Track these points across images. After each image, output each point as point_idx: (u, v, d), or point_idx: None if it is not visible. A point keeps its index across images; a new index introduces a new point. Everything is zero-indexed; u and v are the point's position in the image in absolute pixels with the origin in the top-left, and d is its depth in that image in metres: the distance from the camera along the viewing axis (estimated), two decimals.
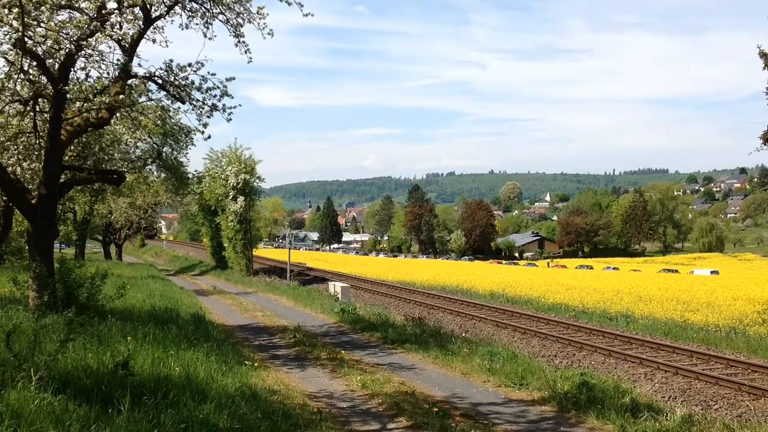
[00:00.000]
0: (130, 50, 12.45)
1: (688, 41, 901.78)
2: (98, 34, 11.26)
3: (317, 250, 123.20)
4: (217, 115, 13.05)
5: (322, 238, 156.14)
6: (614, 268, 64.65)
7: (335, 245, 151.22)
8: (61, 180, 14.21)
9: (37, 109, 13.36)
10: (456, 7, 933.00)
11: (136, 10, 11.90)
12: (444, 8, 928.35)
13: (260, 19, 11.99)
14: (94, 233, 53.47)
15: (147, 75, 12.97)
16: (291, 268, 38.21)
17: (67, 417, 5.65)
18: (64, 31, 11.17)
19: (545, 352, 16.84)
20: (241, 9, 12.11)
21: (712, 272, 62.32)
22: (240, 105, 13.27)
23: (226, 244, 42.16)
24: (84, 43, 11.27)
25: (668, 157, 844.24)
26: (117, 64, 12.70)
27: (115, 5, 11.54)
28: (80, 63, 12.58)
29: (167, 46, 12.23)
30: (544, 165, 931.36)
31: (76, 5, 11.35)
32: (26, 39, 10.45)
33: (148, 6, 11.75)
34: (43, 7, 10.41)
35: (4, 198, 16.56)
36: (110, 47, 12.52)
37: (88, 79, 13.17)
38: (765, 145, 17.03)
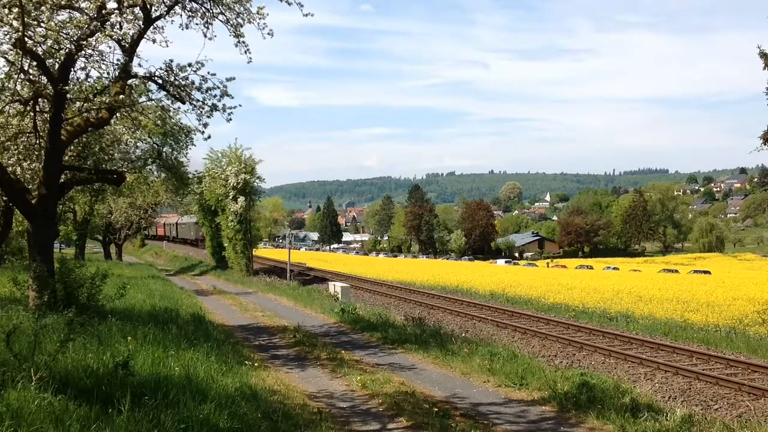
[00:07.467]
0: (130, 50, 12.45)
1: (690, 41, 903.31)
2: (98, 34, 11.27)
3: (317, 250, 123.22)
4: (217, 115, 13.09)
5: (322, 238, 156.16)
6: (614, 268, 64.54)
7: (335, 245, 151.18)
8: (61, 180, 14.21)
9: (37, 109, 13.36)
10: (461, 7, 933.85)
11: (136, 10, 11.90)
12: (449, 8, 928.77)
13: (260, 19, 12.02)
14: (94, 233, 53.41)
15: (147, 75, 12.98)
16: (291, 268, 38.17)
17: (67, 417, 5.65)
18: (64, 31, 11.18)
19: (545, 352, 16.83)
20: (241, 9, 12.13)
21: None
22: (240, 105, 13.33)
23: (226, 244, 42.17)
24: (84, 43, 11.29)
25: (668, 157, 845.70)
26: (117, 64, 12.73)
27: (115, 5, 11.55)
28: (80, 63, 12.62)
29: (167, 46, 12.26)
30: (544, 165, 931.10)
31: (76, 5, 11.35)
32: (26, 39, 10.45)
33: (148, 6, 11.75)
34: (43, 7, 10.41)
35: (4, 198, 16.58)
36: (110, 47, 12.56)
37: (88, 79, 13.24)
38: (765, 145, 17.04)
